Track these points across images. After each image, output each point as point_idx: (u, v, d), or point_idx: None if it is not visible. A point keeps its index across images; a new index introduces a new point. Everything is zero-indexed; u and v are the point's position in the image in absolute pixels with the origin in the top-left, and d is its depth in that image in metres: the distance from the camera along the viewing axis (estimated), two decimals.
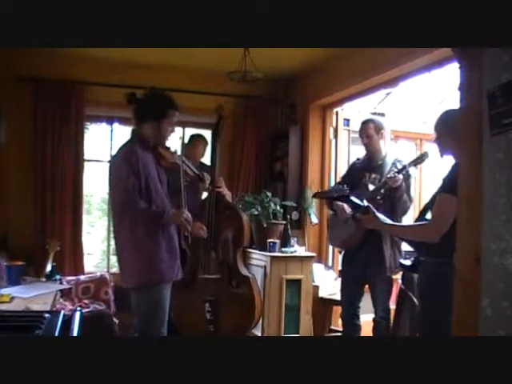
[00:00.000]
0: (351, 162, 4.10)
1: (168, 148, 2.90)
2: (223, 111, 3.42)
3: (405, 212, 3.46)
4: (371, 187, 3.41)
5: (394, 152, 3.73)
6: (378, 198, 3.33)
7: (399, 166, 3.36)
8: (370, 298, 3.56)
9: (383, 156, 3.58)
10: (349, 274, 3.60)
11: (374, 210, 2.60)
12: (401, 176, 3.28)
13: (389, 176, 3.30)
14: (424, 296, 2.41)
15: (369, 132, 3.55)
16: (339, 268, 4.38)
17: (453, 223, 2.03)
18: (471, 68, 1.68)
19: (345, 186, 3.36)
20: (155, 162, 2.77)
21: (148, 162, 2.70)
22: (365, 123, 3.60)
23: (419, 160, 3.30)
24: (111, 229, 4.60)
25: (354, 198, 2.72)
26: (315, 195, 3.94)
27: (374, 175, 3.52)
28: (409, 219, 4.64)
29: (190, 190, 3.00)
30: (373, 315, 3.53)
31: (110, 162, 2.80)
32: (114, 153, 2.82)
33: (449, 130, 2.30)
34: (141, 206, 2.61)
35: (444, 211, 2.20)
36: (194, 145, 4.14)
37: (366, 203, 2.67)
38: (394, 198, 3.36)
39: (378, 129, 3.57)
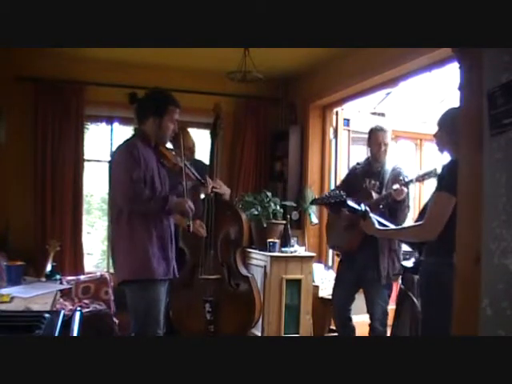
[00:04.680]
0: (351, 165, 4.13)
1: (170, 149, 2.93)
2: (220, 110, 3.42)
3: (404, 220, 3.48)
4: (375, 195, 3.43)
5: (392, 158, 3.77)
6: (381, 206, 3.35)
7: (405, 179, 3.34)
8: (363, 299, 3.56)
9: (383, 162, 3.61)
10: (344, 277, 3.61)
11: (371, 216, 2.60)
12: (406, 190, 3.30)
13: (394, 188, 3.30)
14: (424, 296, 2.41)
15: (386, 141, 3.57)
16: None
17: (453, 222, 2.03)
18: (471, 68, 1.68)
19: (341, 191, 3.37)
20: (156, 160, 2.78)
21: (149, 158, 2.72)
22: (383, 131, 3.59)
23: (426, 176, 3.26)
24: (111, 231, 4.62)
25: (351, 203, 2.73)
26: (313, 202, 3.94)
27: (373, 181, 3.56)
28: (408, 220, 4.64)
29: (191, 194, 2.99)
30: (366, 316, 3.53)
31: (110, 157, 2.81)
32: (112, 153, 2.82)
33: (447, 127, 2.31)
34: (146, 195, 2.63)
35: (438, 209, 2.20)
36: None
37: (363, 207, 2.67)
38: (396, 208, 3.39)
39: (391, 138, 3.64)
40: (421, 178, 3.29)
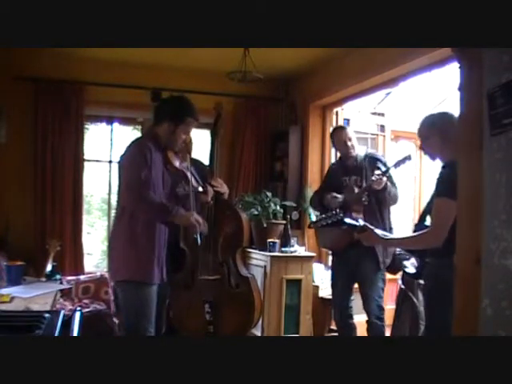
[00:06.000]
0: (327, 168, 4.19)
1: (177, 153, 2.92)
2: (221, 109, 3.42)
3: (395, 201, 3.53)
4: (356, 190, 3.46)
5: (361, 149, 3.82)
6: (364, 199, 3.38)
7: (382, 168, 3.41)
8: (361, 298, 3.56)
9: (355, 156, 3.66)
10: (339, 274, 3.62)
11: (372, 228, 2.59)
12: (385, 178, 3.33)
13: (373, 179, 3.34)
14: (430, 298, 2.40)
15: (350, 135, 3.65)
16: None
17: (456, 223, 2.03)
18: (471, 68, 1.68)
19: (338, 209, 3.37)
20: (163, 164, 2.79)
21: (157, 160, 2.72)
22: (342, 128, 3.72)
23: (401, 163, 3.34)
24: (111, 228, 4.62)
25: (349, 220, 2.72)
26: (310, 226, 3.90)
27: (354, 177, 3.60)
28: (409, 224, 4.64)
29: (191, 200, 2.99)
30: (364, 316, 3.53)
31: (121, 155, 2.80)
32: (123, 149, 2.81)
33: (436, 132, 2.32)
34: (151, 197, 2.63)
35: (442, 216, 2.20)
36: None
37: (361, 222, 2.66)
38: (382, 196, 3.43)
39: (352, 134, 3.70)
40: (398, 165, 3.36)
